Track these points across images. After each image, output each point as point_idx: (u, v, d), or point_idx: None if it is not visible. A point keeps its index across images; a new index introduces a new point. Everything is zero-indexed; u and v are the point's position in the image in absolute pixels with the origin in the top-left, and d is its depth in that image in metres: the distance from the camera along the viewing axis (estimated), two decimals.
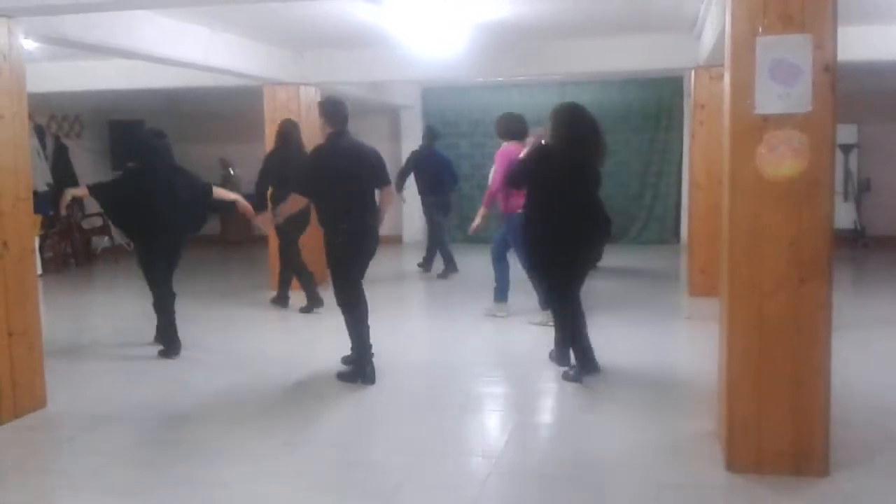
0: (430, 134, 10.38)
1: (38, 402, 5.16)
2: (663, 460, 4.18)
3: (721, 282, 4.14)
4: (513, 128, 7.36)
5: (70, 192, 6.47)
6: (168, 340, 6.41)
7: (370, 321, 5.68)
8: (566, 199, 5.46)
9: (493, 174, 7.14)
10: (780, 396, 3.81)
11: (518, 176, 5.71)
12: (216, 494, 3.90)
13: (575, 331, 5.64)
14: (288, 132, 7.94)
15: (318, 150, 5.73)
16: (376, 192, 5.81)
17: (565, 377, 5.57)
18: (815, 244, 3.72)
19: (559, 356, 5.80)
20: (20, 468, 4.30)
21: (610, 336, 6.43)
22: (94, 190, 6.36)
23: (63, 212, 7.31)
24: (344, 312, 5.63)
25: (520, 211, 6.36)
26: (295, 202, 5.78)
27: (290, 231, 7.78)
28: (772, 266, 3.76)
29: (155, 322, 6.52)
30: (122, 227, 7.03)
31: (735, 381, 3.89)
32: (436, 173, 10.05)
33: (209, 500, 3.85)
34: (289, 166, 7.29)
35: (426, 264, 10.60)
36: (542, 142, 5.87)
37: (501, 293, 7.65)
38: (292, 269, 8.11)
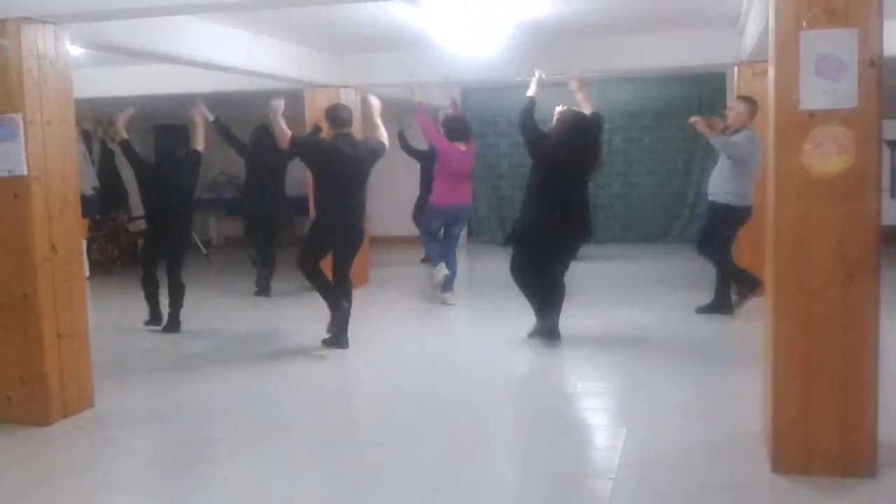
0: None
1: (86, 402, 5.25)
2: (708, 461, 4.14)
3: (767, 280, 4.09)
4: None
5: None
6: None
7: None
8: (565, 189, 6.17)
9: None
10: (827, 396, 3.75)
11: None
12: (260, 493, 3.94)
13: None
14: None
15: (323, 141, 6.80)
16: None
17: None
18: (862, 241, 3.66)
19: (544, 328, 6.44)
20: (67, 467, 4.38)
21: (653, 335, 6.38)
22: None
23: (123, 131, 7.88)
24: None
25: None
26: (283, 137, 6.55)
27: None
28: (818, 264, 3.71)
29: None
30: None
31: (781, 381, 3.84)
32: None
33: (250, 500, 3.89)
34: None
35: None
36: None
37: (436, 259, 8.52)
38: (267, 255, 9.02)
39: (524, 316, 6.62)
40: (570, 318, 7.27)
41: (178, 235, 7.46)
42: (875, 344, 3.72)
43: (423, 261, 10.85)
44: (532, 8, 6.97)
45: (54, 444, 4.71)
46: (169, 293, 7.41)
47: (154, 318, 7.54)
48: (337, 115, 6.47)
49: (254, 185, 9.14)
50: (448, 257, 8.45)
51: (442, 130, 8.69)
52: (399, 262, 11.51)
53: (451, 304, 8.36)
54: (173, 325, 7.42)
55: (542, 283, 6.36)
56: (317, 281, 6.36)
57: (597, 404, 5.35)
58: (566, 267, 6.48)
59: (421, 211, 10.50)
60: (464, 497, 3.89)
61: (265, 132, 8.52)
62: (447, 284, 8.40)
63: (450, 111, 10.44)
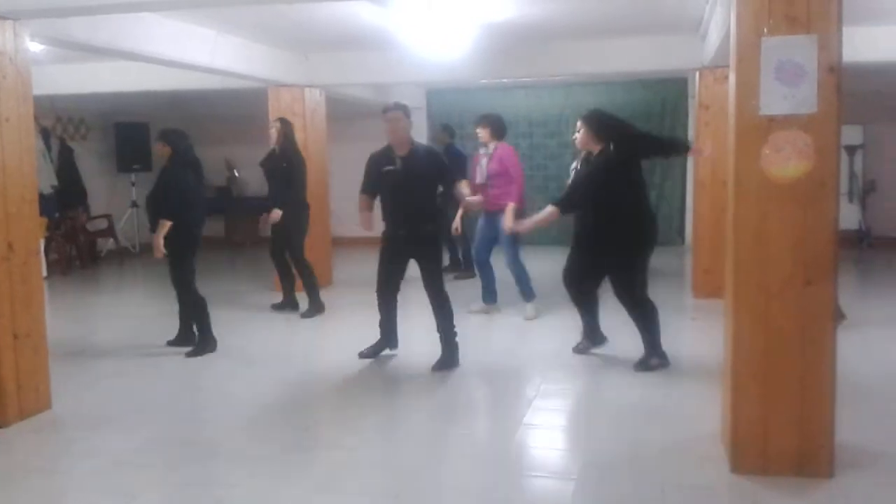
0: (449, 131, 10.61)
1: (43, 403, 5.17)
2: (668, 462, 4.18)
3: (726, 283, 4.14)
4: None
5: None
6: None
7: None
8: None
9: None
10: (785, 398, 3.81)
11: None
12: (223, 495, 3.91)
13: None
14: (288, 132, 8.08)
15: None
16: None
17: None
18: (820, 245, 3.71)
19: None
20: (25, 469, 4.31)
21: (614, 337, 6.42)
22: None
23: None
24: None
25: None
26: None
27: (295, 230, 7.91)
28: (777, 267, 3.76)
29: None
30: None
31: (740, 383, 3.89)
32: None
33: (216, 501, 3.85)
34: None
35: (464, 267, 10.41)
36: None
37: (492, 296, 7.82)
38: (298, 270, 8.13)
39: (486, 318, 6.63)
40: (536, 322, 7.32)
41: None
42: (833, 346, 3.77)
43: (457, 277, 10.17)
44: (497, 10, 6.99)
45: (11, 447, 4.64)
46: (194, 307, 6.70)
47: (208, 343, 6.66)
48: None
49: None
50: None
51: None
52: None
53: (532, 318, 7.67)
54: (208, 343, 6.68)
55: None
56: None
57: (559, 405, 5.38)
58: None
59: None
60: (427, 499, 3.89)
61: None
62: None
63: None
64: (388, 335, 6.27)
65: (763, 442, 3.87)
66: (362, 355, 6.19)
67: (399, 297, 6.19)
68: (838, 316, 6.59)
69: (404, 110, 5.92)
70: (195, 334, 6.60)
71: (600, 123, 5.86)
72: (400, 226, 5.90)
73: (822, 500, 3.67)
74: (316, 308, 8.03)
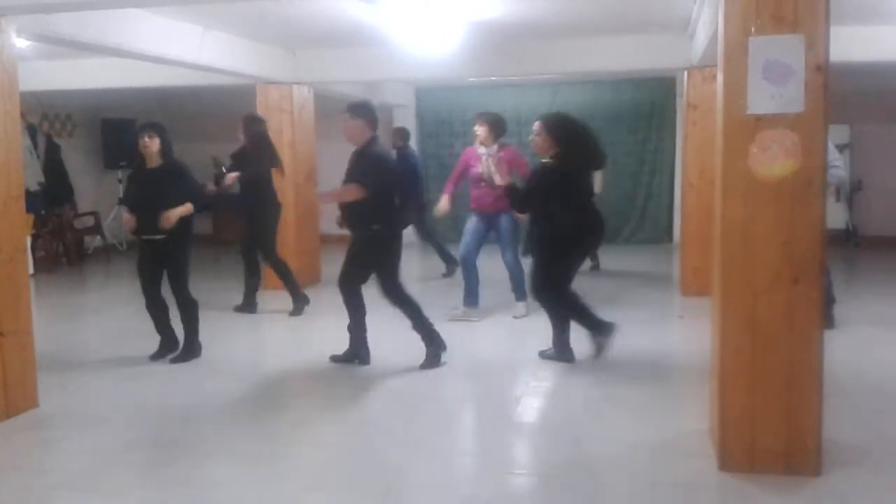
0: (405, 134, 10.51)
1: (30, 402, 5.14)
2: (656, 459, 4.19)
3: (714, 281, 4.15)
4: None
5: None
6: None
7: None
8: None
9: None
10: (773, 395, 3.82)
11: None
12: (210, 494, 3.90)
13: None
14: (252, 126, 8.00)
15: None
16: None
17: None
18: (807, 244, 3.73)
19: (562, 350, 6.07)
20: (12, 468, 4.29)
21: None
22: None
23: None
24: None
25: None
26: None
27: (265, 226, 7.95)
28: (764, 266, 3.77)
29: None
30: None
31: (727, 381, 3.90)
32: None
33: (202, 500, 3.85)
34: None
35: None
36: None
37: (475, 298, 7.66)
38: (273, 268, 8.11)
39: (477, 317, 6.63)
40: (523, 320, 7.33)
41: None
42: (819, 345, 3.79)
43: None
44: (486, 8, 7.00)
45: None
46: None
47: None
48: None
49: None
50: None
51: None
52: None
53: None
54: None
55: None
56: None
57: (548, 403, 5.38)
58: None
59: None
60: (415, 497, 3.89)
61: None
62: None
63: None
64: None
65: (750, 439, 3.88)
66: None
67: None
68: (829, 322, 6.66)
69: (357, 111, 5.93)
70: (178, 340, 6.42)
71: (561, 129, 5.87)
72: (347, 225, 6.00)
73: (809, 498, 3.69)
74: (301, 303, 8.01)
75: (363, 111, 5.92)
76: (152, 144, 6.04)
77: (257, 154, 7.89)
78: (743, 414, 3.87)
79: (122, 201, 6.35)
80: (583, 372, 5.84)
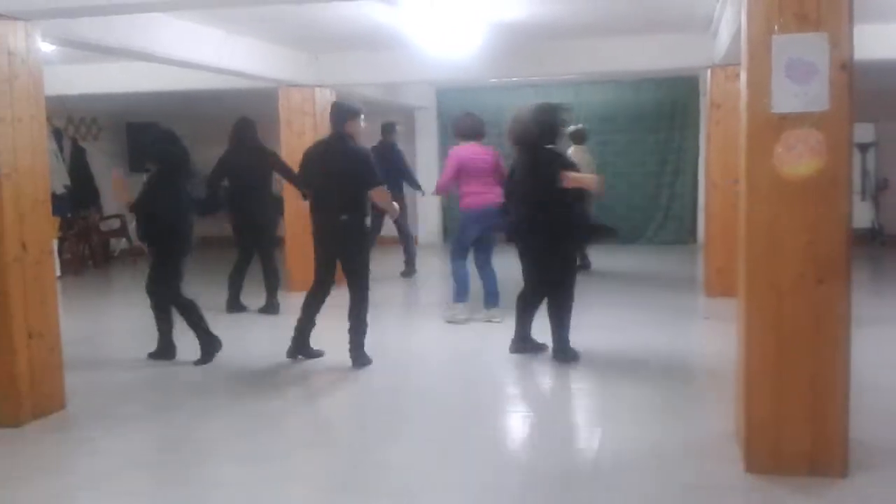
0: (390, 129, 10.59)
1: (57, 403, 5.19)
2: (681, 461, 4.17)
3: (739, 282, 4.12)
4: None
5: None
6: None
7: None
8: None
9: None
10: (799, 397, 3.79)
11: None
12: (235, 495, 3.92)
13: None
14: (241, 130, 8.08)
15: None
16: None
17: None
18: (832, 243, 3.70)
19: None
20: (39, 469, 4.33)
21: (627, 336, 6.42)
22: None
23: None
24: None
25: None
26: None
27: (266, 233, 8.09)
28: (789, 266, 3.74)
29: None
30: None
31: (753, 382, 3.88)
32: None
33: (228, 500, 3.87)
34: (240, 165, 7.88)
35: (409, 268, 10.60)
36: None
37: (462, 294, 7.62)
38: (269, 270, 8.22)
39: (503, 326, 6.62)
40: (546, 320, 7.30)
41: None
42: (846, 345, 3.76)
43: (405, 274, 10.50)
44: (506, 9, 6.99)
45: (25, 446, 4.66)
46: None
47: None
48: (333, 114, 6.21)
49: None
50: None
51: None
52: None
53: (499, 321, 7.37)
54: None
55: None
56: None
57: (573, 404, 5.37)
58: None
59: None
60: (444, 497, 3.89)
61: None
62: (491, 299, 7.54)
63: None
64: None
65: (776, 441, 3.85)
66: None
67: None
68: None
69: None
70: (174, 345, 6.46)
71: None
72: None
73: (835, 500, 3.66)
74: (274, 309, 8.15)
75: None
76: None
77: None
78: (769, 415, 3.84)
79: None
80: (609, 373, 5.81)
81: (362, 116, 6.04)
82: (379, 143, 10.18)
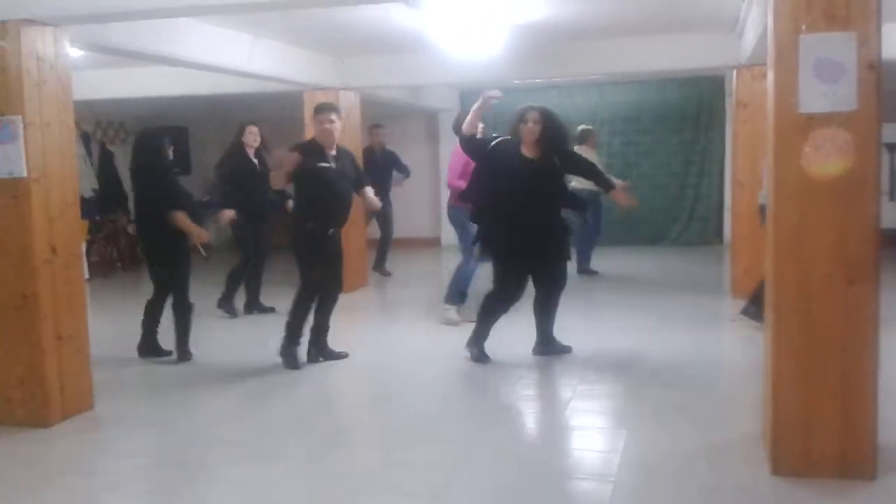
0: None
1: (86, 404, 5.24)
2: (708, 463, 4.14)
3: (767, 282, 4.09)
4: None
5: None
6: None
7: None
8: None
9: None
10: (827, 399, 3.76)
11: None
12: (261, 494, 3.94)
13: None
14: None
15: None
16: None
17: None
18: (861, 244, 3.66)
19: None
20: (67, 469, 4.38)
21: (654, 338, 6.39)
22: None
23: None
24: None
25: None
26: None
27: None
28: (818, 266, 3.71)
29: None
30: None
31: (781, 384, 3.85)
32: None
33: (254, 501, 3.89)
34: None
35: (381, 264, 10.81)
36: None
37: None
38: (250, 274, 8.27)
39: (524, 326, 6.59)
40: (570, 321, 7.28)
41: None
42: (875, 347, 3.72)
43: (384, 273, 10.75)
44: (529, 11, 6.98)
45: (54, 446, 4.71)
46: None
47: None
48: None
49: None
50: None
51: None
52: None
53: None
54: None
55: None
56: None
57: (597, 406, 5.35)
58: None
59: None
60: (465, 499, 3.89)
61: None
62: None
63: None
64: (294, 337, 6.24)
65: (804, 443, 3.82)
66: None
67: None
68: None
69: (338, 112, 6.17)
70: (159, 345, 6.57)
71: (559, 127, 6.06)
72: (335, 223, 6.08)
73: (864, 503, 3.62)
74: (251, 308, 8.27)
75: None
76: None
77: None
78: (797, 417, 3.81)
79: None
80: (633, 374, 5.79)
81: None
82: (367, 146, 10.36)
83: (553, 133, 5.91)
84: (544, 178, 5.89)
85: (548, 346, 6.26)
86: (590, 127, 10.41)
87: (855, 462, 3.77)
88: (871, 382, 3.73)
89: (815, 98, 3.65)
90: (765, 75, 4.18)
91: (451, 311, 7.50)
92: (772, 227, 3.85)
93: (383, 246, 10.76)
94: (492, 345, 6.14)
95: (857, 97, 3.60)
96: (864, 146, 3.62)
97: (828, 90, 3.63)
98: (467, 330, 6.33)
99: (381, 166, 10.16)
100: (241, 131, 8.07)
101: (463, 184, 7.21)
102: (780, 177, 3.77)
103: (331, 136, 6.02)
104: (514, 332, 6.75)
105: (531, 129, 5.86)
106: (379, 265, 10.74)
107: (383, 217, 10.43)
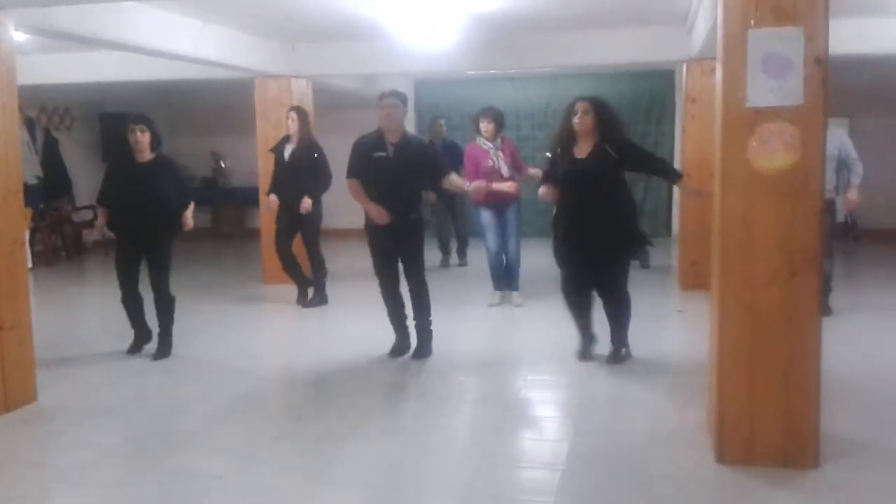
0: None
1: (29, 395, 5.15)
2: (654, 451, 4.20)
3: (712, 275, 4.15)
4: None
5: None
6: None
7: None
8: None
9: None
10: (771, 388, 3.83)
11: None
12: (210, 486, 3.90)
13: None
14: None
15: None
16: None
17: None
18: (806, 237, 3.73)
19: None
20: (12, 462, 4.29)
21: (600, 329, 6.41)
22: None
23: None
24: None
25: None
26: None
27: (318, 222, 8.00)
28: (763, 259, 3.77)
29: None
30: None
31: (726, 374, 3.91)
32: None
33: (203, 492, 3.85)
34: None
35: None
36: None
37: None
38: (315, 261, 8.07)
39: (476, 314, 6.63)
40: (523, 312, 7.32)
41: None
42: (818, 337, 3.80)
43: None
44: (485, 1, 6.98)
45: None
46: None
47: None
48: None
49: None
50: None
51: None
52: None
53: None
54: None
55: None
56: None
57: (546, 396, 5.39)
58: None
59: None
60: (414, 487, 3.90)
61: None
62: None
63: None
64: (402, 332, 6.14)
65: (749, 432, 3.89)
66: (391, 354, 6.11)
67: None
68: (825, 310, 6.63)
69: (401, 98, 5.89)
70: (151, 333, 6.36)
71: (613, 116, 5.72)
72: (390, 213, 5.80)
73: (807, 491, 3.70)
74: (321, 299, 8.03)
75: (405, 99, 5.96)
76: (144, 138, 5.99)
77: (319, 147, 7.99)
78: (741, 407, 3.88)
79: (100, 198, 6.13)
80: (581, 366, 5.84)
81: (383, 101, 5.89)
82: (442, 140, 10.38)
83: (606, 123, 5.59)
84: (592, 175, 5.54)
85: (611, 356, 5.90)
86: None
87: (798, 451, 3.84)
88: (815, 372, 3.80)
89: (762, 93, 3.70)
90: (714, 70, 4.23)
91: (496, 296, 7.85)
92: (718, 220, 3.90)
93: (458, 242, 10.67)
94: (448, 335, 6.13)
95: (804, 92, 3.66)
96: (809, 141, 3.69)
97: (775, 85, 3.68)
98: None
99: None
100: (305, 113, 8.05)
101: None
102: (727, 170, 3.82)
103: (390, 122, 5.83)
104: (464, 325, 6.78)
105: (582, 122, 5.53)
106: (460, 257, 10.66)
107: (451, 212, 10.37)
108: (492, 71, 11.58)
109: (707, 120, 7.62)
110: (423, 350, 6.04)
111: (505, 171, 7.26)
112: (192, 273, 9.73)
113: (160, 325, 6.27)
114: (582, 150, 5.60)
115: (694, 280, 8.27)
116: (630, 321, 5.91)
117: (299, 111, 7.94)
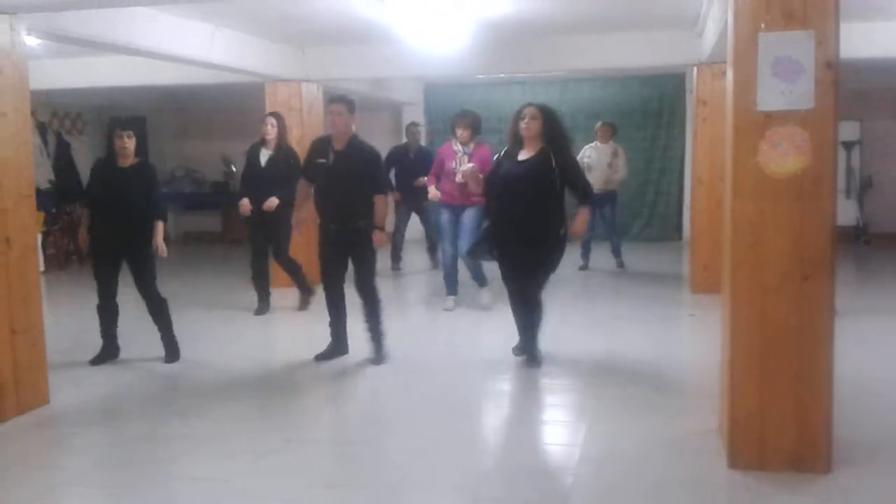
0: None
1: (41, 399, 5.16)
2: (665, 457, 4.18)
3: (724, 279, 4.14)
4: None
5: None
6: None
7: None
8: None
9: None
10: (783, 393, 3.81)
11: None
12: (219, 490, 3.91)
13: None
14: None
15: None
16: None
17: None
18: (817, 241, 3.72)
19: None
20: (23, 464, 4.31)
21: (614, 333, 6.44)
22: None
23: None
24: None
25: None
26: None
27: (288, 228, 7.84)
28: (774, 263, 3.76)
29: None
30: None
31: (737, 378, 3.90)
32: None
33: (212, 496, 3.86)
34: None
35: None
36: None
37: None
38: (289, 268, 8.04)
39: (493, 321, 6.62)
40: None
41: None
42: (830, 342, 3.78)
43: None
44: (494, 6, 6.99)
45: (9, 442, 4.63)
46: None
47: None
48: None
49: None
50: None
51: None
52: None
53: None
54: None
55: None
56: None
57: (558, 400, 5.38)
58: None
59: None
60: (425, 492, 3.90)
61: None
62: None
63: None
64: (338, 338, 6.17)
65: (760, 437, 3.87)
66: (318, 358, 6.11)
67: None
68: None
69: (348, 104, 5.89)
70: (118, 346, 6.32)
71: (560, 126, 5.80)
72: (331, 220, 5.90)
73: (819, 496, 3.68)
74: (309, 292, 8.02)
75: (353, 106, 5.94)
76: (130, 144, 6.02)
77: (292, 152, 7.88)
78: (753, 411, 3.86)
79: (84, 200, 6.15)
80: (593, 369, 5.83)
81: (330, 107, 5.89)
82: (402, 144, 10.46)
83: (552, 131, 5.67)
84: (526, 178, 5.60)
85: (521, 351, 6.00)
86: (603, 121, 10.35)
87: (810, 456, 3.83)
88: (827, 377, 3.79)
89: (773, 96, 3.69)
90: (725, 73, 4.22)
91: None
92: (729, 224, 3.90)
93: (429, 243, 10.60)
94: (448, 336, 6.13)
95: (815, 96, 3.65)
96: (820, 144, 3.68)
97: (786, 88, 3.67)
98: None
99: (415, 165, 9.88)
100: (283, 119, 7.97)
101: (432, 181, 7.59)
102: (738, 174, 3.81)
103: (335, 129, 5.86)
104: (485, 328, 6.78)
105: (528, 126, 5.63)
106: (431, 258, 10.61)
107: (421, 215, 10.27)
108: (502, 75, 11.58)
109: (718, 123, 7.61)
110: (378, 357, 6.02)
111: (460, 177, 7.22)
112: (202, 278, 9.76)
113: (160, 330, 6.28)
114: (525, 154, 5.69)
115: (705, 284, 8.24)
116: (540, 327, 5.88)
117: (278, 117, 7.86)
